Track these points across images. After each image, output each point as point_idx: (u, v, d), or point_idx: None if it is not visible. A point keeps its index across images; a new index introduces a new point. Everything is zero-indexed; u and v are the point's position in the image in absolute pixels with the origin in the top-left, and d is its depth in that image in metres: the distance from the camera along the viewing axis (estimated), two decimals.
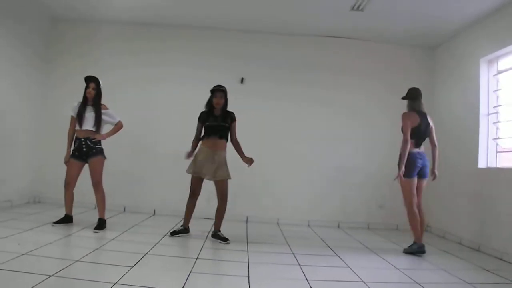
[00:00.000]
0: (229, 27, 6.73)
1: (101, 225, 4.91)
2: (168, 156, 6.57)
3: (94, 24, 6.80)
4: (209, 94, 4.93)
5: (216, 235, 4.90)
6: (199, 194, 4.95)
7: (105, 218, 5.02)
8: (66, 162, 4.95)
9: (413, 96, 5.00)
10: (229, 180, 4.87)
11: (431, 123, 5.00)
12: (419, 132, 4.87)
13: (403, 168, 4.77)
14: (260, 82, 6.62)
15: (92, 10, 6.44)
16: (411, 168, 4.82)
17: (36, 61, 6.56)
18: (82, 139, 4.91)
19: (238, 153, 4.97)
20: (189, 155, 4.93)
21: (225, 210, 4.91)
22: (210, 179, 4.83)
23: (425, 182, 4.96)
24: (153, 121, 6.67)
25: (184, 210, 4.99)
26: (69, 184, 4.92)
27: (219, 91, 4.87)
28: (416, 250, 4.77)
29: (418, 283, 3.61)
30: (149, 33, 6.83)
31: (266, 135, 6.56)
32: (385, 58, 6.88)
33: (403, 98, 5.09)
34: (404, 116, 4.93)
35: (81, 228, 4.84)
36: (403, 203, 4.93)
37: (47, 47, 6.77)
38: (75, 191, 4.97)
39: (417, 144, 4.89)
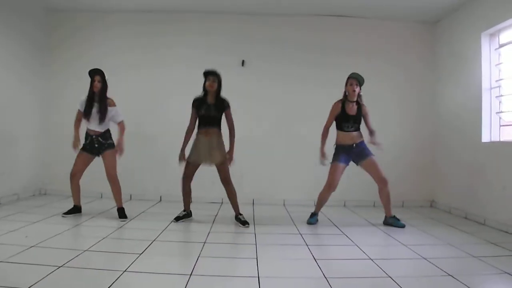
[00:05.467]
0: (228, 10, 6.61)
1: (122, 213, 4.99)
2: (171, 142, 6.58)
3: (89, 13, 6.74)
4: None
5: (237, 218, 4.96)
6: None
7: (123, 206, 5.09)
8: (75, 148, 4.92)
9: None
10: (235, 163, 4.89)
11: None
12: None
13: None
14: (261, 64, 6.56)
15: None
16: (338, 153, 5.10)
17: (35, 52, 6.51)
18: (94, 136, 4.93)
19: (229, 142, 4.91)
20: (182, 157, 4.90)
21: (234, 193, 4.93)
22: (209, 164, 4.83)
23: (371, 160, 5.03)
24: (154, 106, 6.64)
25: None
26: (75, 175, 4.97)
27: (211, 74, 4.80)
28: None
29: (425, 258, 3.63)
30: (146, 19, 6.73)
31: (269, 118, 6.55)
32: (385, 35, 6.77)
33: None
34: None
35: (89, 218, 4.88)
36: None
37: (44, 37, 6.70)
38: (81, 181, 5.01)
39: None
